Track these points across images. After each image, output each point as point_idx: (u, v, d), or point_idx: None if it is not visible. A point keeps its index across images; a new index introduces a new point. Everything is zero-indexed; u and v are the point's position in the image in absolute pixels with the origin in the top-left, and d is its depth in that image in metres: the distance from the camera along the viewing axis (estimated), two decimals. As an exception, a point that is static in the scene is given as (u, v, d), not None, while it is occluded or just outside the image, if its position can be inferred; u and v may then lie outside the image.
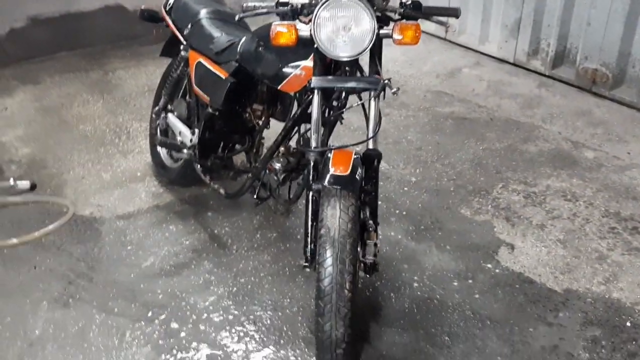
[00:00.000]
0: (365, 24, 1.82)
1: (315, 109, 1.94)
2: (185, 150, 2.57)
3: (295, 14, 1.95)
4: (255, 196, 2.47)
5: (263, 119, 2.50)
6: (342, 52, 1.86)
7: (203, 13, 2.67)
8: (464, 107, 3.77)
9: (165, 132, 2.87)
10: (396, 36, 1.89)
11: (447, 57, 4.40)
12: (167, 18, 2.84)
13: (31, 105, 4.06)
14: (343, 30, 1.84)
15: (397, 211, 2.81)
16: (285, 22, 1.91)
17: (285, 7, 1.96)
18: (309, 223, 1.87)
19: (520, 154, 3.23)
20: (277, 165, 2.33)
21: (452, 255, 2.51)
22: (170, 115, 2.79)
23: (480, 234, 2.63)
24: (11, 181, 3.02)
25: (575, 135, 3.36)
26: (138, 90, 4.20)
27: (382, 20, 1.99)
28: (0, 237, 2.68)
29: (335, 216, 1.67)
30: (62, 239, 2.68)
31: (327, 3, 1.81)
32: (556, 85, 3.85)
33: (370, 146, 1.94)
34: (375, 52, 1.97)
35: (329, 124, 2.14)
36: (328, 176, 1.71)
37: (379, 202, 2.82)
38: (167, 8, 2.86)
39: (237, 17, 2.06)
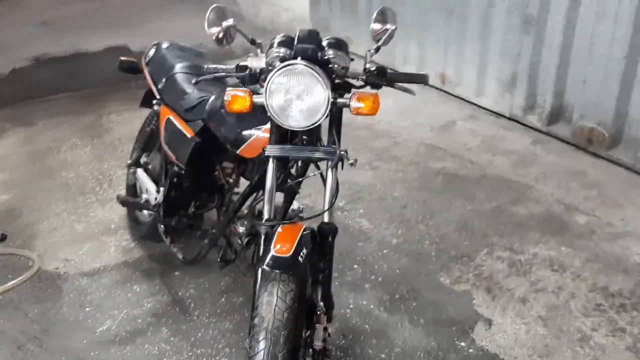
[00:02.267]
0: (318, 94, 1.72)
1: (269, 178, 1.83)
2: (147, 211, 2.47)
3: (253, 78, 1.87)
4: (219, 259, 2.35)
5: (233, 177, 2.40)
6: (295, 121, 1.76)
7: (178, 67, 2.60)
8: (456, 163, 3.65)
9: (134, 187, 2.78)
10: (353, 105, 1.79)
11: (442, 109, 4.29)
12: (145, 70, 2.78)
13: (20, 150, 4.03)
14: (297, 99, 1.75)
15: (373, 277, 2.67)
16: (240, 88, 1.83)
17: (244, 72, 1.88)
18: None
19: (508, 217, 3.08)
20: (241, 229, 2.22)
21: (425, 330, 2.35)
22: (139, 170, 2.71)
23: (457, 307, 2.47)
24: (-20, 232, 2.95)
25: (568, 197, 3.20)
26: (128, 135, 4.14)
27: (344, 87, 1.89)
28: (-42, 293, 2.59)
29: (272, 304, 1.53)
30: (21, 297, 2.58)
31: (280, 70, 1.72)
32: (552, 142, 3.71)
33: (326, 219, 1.82)
34: (334, 121, 1.87)
35: (288, 192, 2.03)
36: (268, 257, 1.58)
37: (355, 266, 2.74)
38: (147, 60, 2.81)
39: (193, 81, 1.98)
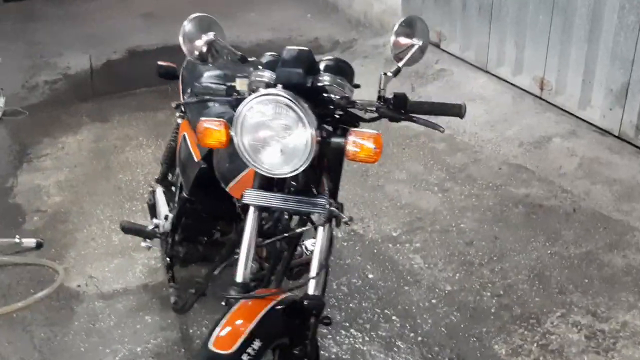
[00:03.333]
0: (298, 133, 1.33)
1: (247, 232, 1.48)
2: (150, 240, 2.21)
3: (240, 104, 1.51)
4: (223, 302, 2.03)
5: None
6: (272, 166, 1.38)
7: (205, 76, 2.30)
8: (544, 190, 3.05)
9: (154, 207, 2.53)
10: (348, 148, 1.37)
11: (537, 120, 3.66)
12: (180, 77, 2.53)
13: (87, 146, 4.00)
14: (277, 138, 1.37)
15: (412, 334, 2.23)
16: (216, 119, 1.48)
17: (230, 97, 1.53)
18: None
19: (598, 268, 2.48)
20: None
21: (461, 417, 1.89)
22: (158, 189, 2.47)
23: (509, 388, 1.98)
24: (16, 239, 2.88)
25: (682, 249, 2.53)
26: (192, 137, 3.97)
27: (348, 122, 1.48)
28: (-19, 305, 2.50)
29: None
30: (34, 316, 2.46)
31: (251, 101, 1.35)
32: (670, 172, 3.00)
33: (311, 291, 1.43)
34: (331, 166, 1.47)
35: (284, 251, 1.64)
36: (203, 350, 1.22)
37: (394, 317, 2.31)
38: (183, 65, 2.55)
39: (173, 104, 1.67)
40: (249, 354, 1.18)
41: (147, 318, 2.40)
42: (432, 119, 1.49)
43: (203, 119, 1.48)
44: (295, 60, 1.41)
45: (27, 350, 2.27)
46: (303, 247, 2.05)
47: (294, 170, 1.37)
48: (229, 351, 1.17)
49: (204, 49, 1.57)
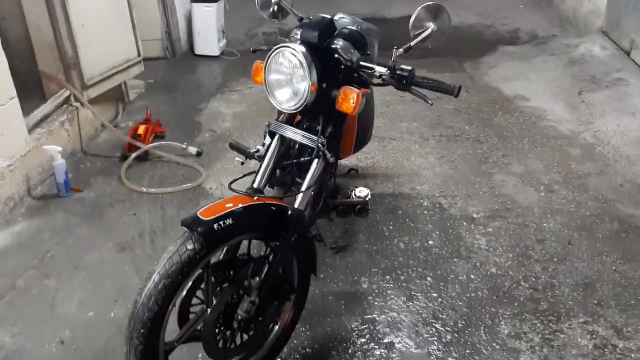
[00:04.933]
0: (300, 82, 1.74)
1: (269, 152, 1.96)
2: (247, 159, 2.75)
3: None
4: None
5: None
6: (281, 102, 1.82)
7: None
8: (653, 215, 2.92)
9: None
10: (338, 99, 1.74)
11: (690, 148, 3.38)
12: None
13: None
14: (288, 80, 1.80)
15: (436, 294, 2.48)
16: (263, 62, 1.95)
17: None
18: None
19: (656, 296, 2.40)
20: None
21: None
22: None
23: (490, 360, 2.15)
24: (184, 145, 3.72)
25: None
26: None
27: (359, 82, 1.83)
28: (142, 184, 3.36)
29: (169, 253, 1.65)
30: (173, 200, 3.21)
31: (275, 51, 1.79)
32: None
33: (296, 204, 1.85)
34: (333, 114, 1.84)
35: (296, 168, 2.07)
36: (192, 213, 1.69)
37: (428, 279, 2.58)
38: None
39: (252, 49, 2.16)
40: (219, 224, 1.65)
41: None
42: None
43: (258, 61, 1.96)
44: (315, 24, 1.80)
45: (157, 221, 3.04)
46: (352, 192, 2.45)
47: (296, 109, 1.79)
48: (206, 218, 1.66)
49: (275, 9, 2.04)
